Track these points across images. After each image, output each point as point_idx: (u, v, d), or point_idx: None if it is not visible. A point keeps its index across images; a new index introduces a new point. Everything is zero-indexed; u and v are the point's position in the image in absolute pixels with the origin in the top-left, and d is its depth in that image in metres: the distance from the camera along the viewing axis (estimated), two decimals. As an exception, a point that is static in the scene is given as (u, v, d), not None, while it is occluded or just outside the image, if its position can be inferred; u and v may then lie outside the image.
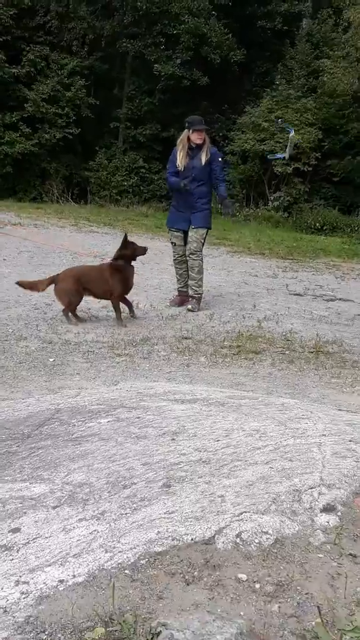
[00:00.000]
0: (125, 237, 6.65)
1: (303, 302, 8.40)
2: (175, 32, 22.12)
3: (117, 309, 6.52)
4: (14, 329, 6.01)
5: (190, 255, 7.44)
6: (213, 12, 22.56)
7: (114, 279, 6.43)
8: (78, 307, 6.54)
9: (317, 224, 18.83)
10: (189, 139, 7.21)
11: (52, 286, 6.36)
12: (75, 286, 6.32)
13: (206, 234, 7.52)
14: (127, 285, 6.58)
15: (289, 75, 22.02)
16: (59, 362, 5.11)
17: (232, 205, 7.23)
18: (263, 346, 5.90)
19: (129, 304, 6.74)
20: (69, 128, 22.32)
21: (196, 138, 7.16)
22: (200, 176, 7.21)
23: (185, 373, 4.98)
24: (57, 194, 21.91)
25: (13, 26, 21.92)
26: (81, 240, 12.05)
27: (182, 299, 7.63)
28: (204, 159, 7.16)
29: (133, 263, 6.74)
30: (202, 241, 7.47)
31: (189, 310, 7.33)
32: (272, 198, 20.40)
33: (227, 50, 22.24)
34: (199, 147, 7.18)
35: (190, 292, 7.56)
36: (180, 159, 7.23)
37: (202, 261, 7.51)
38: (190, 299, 7.54)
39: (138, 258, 6.79)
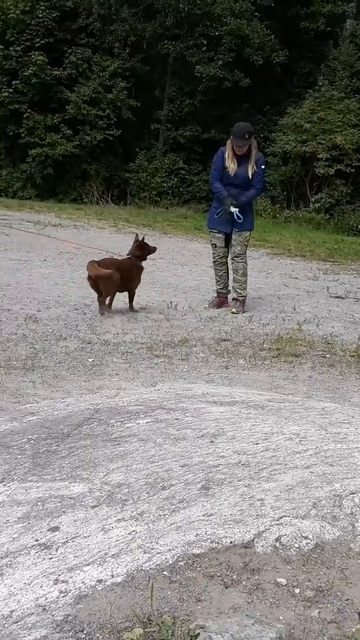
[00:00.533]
0: (142, 239, 7.27)
1: (344, 305, 8.32)
2: (217, 33, 22.10)
3: (132, 299, 7.13)
4: (54, 329, 6.05)
5: (235, 258, 7.44)
6: (255, 14, 22.48)
7: (138, 274, 7.10)
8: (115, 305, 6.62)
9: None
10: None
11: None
12: (118, 275, 6.73)
13: (249, 236, 7.55)
14: (139, 281, 7.21)
15: (332, 76, 21.84)
16: (97, 362, 5.14)
17: (226, 210, 7.20)
18: (303, 349, 5.85)
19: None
20: (109, 130, 22.44)
21: (238, 149, 7.09)
22: (244, 184, 7.20)
23: (224, 375, 4.97)
24: (97, 196, 22.05)
25: (55, 29, 22.15)
26: (120, 241, 12.10)
27: (221, 300, 7.61)
28: (250, 171, 7.12)
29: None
30: (247, 243, 7.49)
31: (232, 313, 7.30)
32: (313, 200, 20.24)
33: (269, 51, 22.15)
34: (246, 157, 7.13)
35: (234, 295, 7.54)
36: (230, 166, 7.15)
37: (246, 264, 7.51)
38: (234, 301, 7.52)
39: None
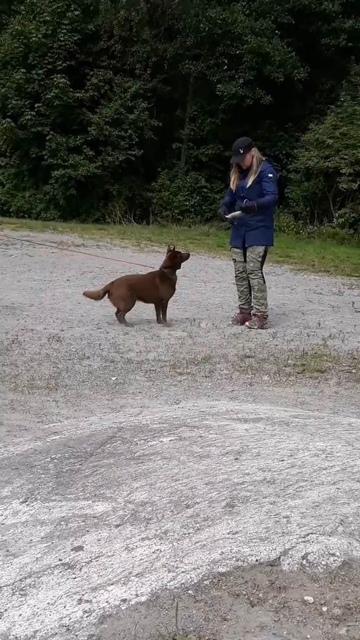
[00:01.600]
0: (173, 248, 7.53)
1: (369, 320, 8.24)
2: (237, 52, 22.21)
3: (165, 311, 7.41)
4: (77, 348, 6.07)
5: (250, 275, 7.45)
6: (276, 31, 22.57)
7: (165, 285, 7.32)
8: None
9: (385, 241, 18.55)
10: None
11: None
12: (129, 292, 7.13)
13: (264, 251, 7.50)
14: (174, 291, 7.52)
15: (354, 92, 21.79)
16: (121, 380, 5.13)
17: (234, 215, 7.35)
18: (328, 365, 5.80)
19: (165, 310, 7.46)
20: (131, 150, 22.59)
21: (239, 164, 7.33)
22: (250, 195, 7.28)
23: (248, 392, 4.93)
24: (120, 215, 22.16)
25: (77, 51, 22.40)
26: (144, 259, 12.14)
27: (244, 316, 7.59)
28: (250, 180, 7.26)
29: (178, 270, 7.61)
30: (259, 259, 7.44)
31: (247, 327, 7.30)
32: (337, 215, 20.16)
33: (290, 68, 22.19)
34: (249, 168, 7.27)
35: (253, 311, 7.52)
36: (232, 181, 7.51)
37: (262, 279, 7.46)
38: (253, 316, 7.50)
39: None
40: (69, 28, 22.08)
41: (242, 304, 7.68)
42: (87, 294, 7.42)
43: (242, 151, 7.25)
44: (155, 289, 7.27)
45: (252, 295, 7.52)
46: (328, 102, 22.41)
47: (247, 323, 7.41)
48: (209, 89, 23.11)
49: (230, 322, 7.57)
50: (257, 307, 7.47)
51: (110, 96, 22.90)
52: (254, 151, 7.31)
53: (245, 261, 7.52)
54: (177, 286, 7.58)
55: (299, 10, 22.51)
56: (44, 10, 22.26)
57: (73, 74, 22.25)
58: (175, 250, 7.47)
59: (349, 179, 19.40)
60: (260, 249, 7.44)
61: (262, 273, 7.48)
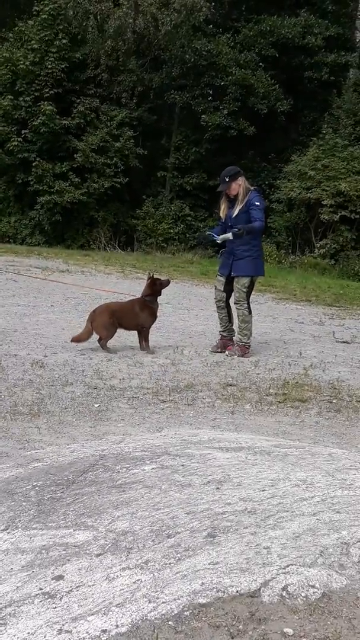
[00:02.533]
0: (152, 275, 7.55)
1: (350, 350, 8.31)
2: (222, 83, 22.54)
3: (147, 338, 7.38)
4: (60, 374, 6.06)
5: (235, 304, 7.48)
6: (260, 64, 22.95)
7: (145, 313, 7.31)
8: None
9: (365, 272, 18.73)
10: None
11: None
12: (110, 320, 7.13)
13: (250, 282, 7.47)
14: (155, 318, 7.46)
15: (335, 124, 22.16)
16: (103, 407, 5.13)
17: (225, 236, 7.43)
18: (309, 394, 5.83)
19: (147, 338, 7.44)
20: (117, 177, 22.73)
21: (227, 192, 7.44)
22: (237, 224, 7.28)
23: (230, 420, 4.95)
24: (105, 242, 22.23)
25: (64, 79, 22.61)
26: (128, 286, 12.18)
27: (224, 342, 7.62)
28: (237, 209, 7.35)
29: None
30: (245, 290, 7.43)
31: (227, 355, 7.33)
32: (318, 245, 20.36)
33: (273, 100, 22.54)
34: (236, 197, 7.36)
35: (235, 339, 7.55)
36: (221, 210, 7.62)
37: (247, 310, 7.44)
38: (235, 345, 7.51)
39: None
40: (57, 56, 22.31)
41: (221, 331, 7.72)
42: (75, 339, 7.21)
43: (227, 179, 7.33)
44: (136, 316, 7.29)
45: (237, 324, 7.54)
46: (310, 134, 22.76)
47: (227, 352, 7.43)
48: (193, 119, 23.39)
49: (211, 349, 7.59)
50: (240, 337, 7.49)
51: (96, 124, 23.09)
52: (241, 180, 7.35)
53: (224, 290, 7.57)
54: (159, 313, 7.60)
55: (282, 44, 22.93)
56: (32, 38, 22.50)
57: (60, 102, 22.44)
58: (155, 277, 7.49)
59: (330, 210, 19.64)
60: (246, 279, 7.42)
61: (247, 303, 7.46)
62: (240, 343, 7.47)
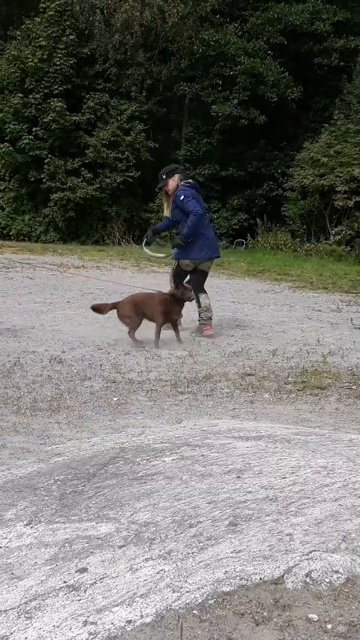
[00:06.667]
0: (177, 284, 7.50)
1: (368, 336, 8.26)
2: (231, 73, 22.43)
3: (158, 333, 7.25)
4: (79, 369, 6.08)
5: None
6: (269, 52, 22.81)
7: (158, 310, 7.24)
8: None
9: (382, 257, 18.62)
10: None
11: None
12: (134, 310, 7.21)
13: (177, 263, 7.90)
14: (166, 318, 7.35)
15: (347, 110, 21.99)
16: (122, 401, 5.14)
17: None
18: (328, 381, 5.80)
19: (176, 330, 7.47)
20: (129, 172, 22.71)
21: (164, 189, 7.82)
22: (177, 218, 7.72)
23: (249, 410, 4.94)
24: (119, 237, 22.24)
25: (73, 75, 22.62)
26: (143, 279, 12.18)
27: (200, 327, 7.97)
28: (168, 207, 7.80)
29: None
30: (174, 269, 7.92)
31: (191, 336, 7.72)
32: (333, 232, 20.25)
33: (284, 88, 22.40)
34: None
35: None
36: (165, 207, 8.06)
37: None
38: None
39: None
40: (65, 52, 22.31)
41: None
42: (96, 307, 7.52)
43: (164, 177, 7.72)
44: (153, 310, 7.33)
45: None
46: (322, 121, 22.60)
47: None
48: (204, 109, 23.32)
49: (192, 335, 7.78)
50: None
51: (106, 119, 23.08)
52: (176, 177, 7.69)
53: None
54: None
55: (290, 31, 22.78)
56: (40, 35, 22.51)
57: (69, 98, 22.46)
58: (181, 285, 7.51)
59: (344, 196, 19.52)
60: (185, 261, 7.79)
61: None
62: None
